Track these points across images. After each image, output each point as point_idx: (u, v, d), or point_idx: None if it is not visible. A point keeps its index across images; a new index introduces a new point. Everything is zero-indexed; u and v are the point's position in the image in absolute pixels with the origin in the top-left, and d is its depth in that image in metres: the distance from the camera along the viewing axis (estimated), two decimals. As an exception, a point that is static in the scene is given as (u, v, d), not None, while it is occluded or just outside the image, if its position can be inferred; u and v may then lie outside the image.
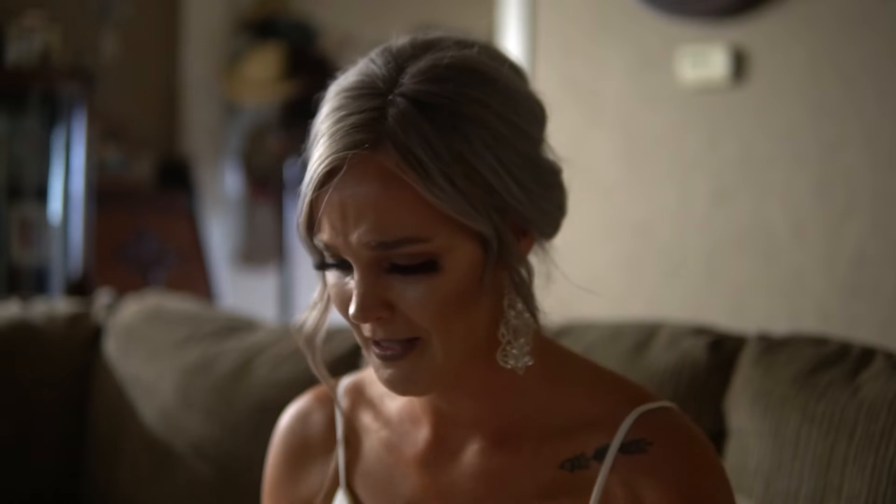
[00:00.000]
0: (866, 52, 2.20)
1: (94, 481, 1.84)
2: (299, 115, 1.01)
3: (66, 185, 3.87)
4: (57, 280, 3.87)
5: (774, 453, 1.30)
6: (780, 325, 1.96)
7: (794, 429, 1.29)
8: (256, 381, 1.70)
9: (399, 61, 0.93)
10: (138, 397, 1.81)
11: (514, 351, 0.94)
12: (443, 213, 0.89)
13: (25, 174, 3.86)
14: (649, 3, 2.47)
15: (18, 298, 2.20)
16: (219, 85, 4.85)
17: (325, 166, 0.89)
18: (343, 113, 0.91)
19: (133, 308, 1.95)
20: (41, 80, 3.83)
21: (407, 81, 0.91)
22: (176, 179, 4.65)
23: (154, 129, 4.75)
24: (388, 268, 0.91)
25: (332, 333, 1.04)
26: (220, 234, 4.85)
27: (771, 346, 1.42)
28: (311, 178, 0.91)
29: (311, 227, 0.93)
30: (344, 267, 0.93)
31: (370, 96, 0.91)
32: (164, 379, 1.78)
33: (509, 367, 0.94)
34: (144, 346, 1.85)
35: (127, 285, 3.37)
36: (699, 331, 1.51)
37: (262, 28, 4.92)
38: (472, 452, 1.01)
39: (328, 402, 1.11)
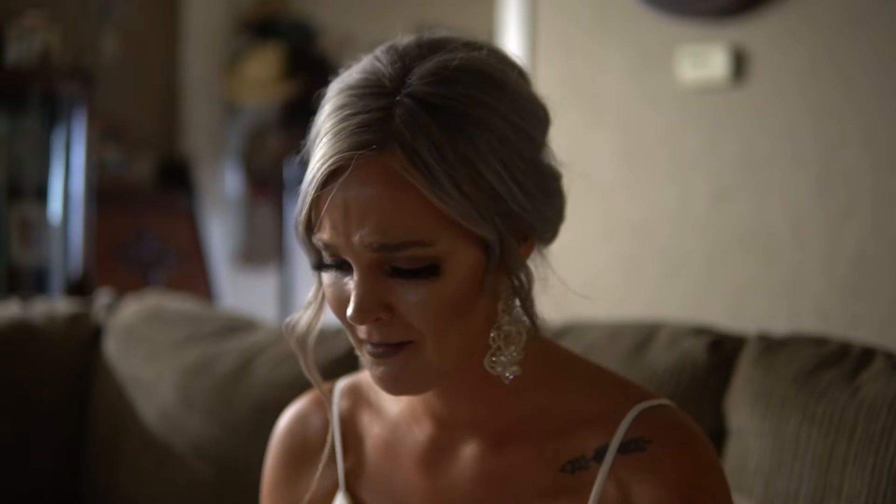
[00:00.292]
0: (866, 52, 2.20)
1: (94, 481, 1.84)
2: (299, 115, 0.99)
3: (66, 185, 3.87)
4: (57, 280, 3.87)
5: (774, 453, 1.30)
6: (780, 325, 1.96)
7: (794, 429, 1.29)
8: (256, 381, 1.70)
9: (406, 60, 0.92)
10: (138, 397, 1.81)
11: (503, 359, 0.94)
12: (447, 217, 0.88)
13: (25, 174, 3.86)
14: (649, 3, 2.47)
15: (18, 298, 2.20)
16: (219, 85, 4.85)
17: (330, 165, 0.88)
18: (348, 111, 0.89)
19: (133, 308, 1.95)
20: (41, 80, 3.83)
21: (415, 82, 0.90)
22: (176, 179, 4.66)
23: (154, 129, 4.75)
24: (388, 270, 0.90)
25: (333, 333, 1.04)
26: (220, 234, 4.85)
27: (771, 346, 1.42)
28: (314, 176, 0.89)
29: (311, 225, 0.92)
30: (342, 267, 0.92)
31: (377, 95, 0.89)
32: (164, 379, 1.78)
33: (496, 373, 0.94)
34: (144, 346, 1.85)
35: (127, 285, 3.37)
36: (699, 331, 1.51)
37: (262, 28, 4.92)
38: (471, 454, 1.01)
39: (327, 392, 1.11)
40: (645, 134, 2.53)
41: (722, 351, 1.45)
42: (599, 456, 0.96)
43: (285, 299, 4.78)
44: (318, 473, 1.07)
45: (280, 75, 4.78)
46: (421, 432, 1.04)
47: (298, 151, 0.96)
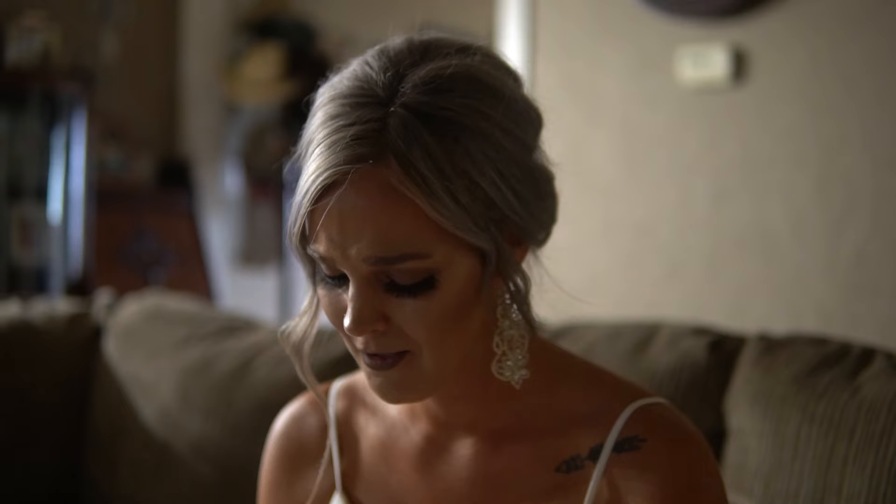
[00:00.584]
0: (866, 52, 2.20)
1: (94, 481, 1.84)
2: (299, 115, 0.97)
3: (66, 185, 3.87)
4: (57, 280, 3.87)
5: (774, 453, 1.30)
6: (780, 325, 1.96)
7: (794, 429, 1.29)
8: (256, 381, 1.70)
9: (399, 68, 0.90)
10: (138, 397, 1.81)
11: (510, 363, 0.94)
12: (443, 229, 0.88)
13: (25, 174, 3.86)
14: (649, 3, 2.47)
15: (18, 298, 2.20)
16: (219, 85, 4.85)
17: (325, 179, 0.87)
18: (341, 122, 0.88)
19: (133, 308, 1.95)
20: (41, 80, 3.83)
21: (409, 91, 0.88)
22: (176, 179, 4.66)
23: (154, 129, 4.75)
24: (385, 282, 0.89)
25: (330, 335, 1.04)
26: (220, 234, 4.85)
27: (771, 346, 1.42)
28: (309, 189, 0.88)
29: (305, 236, 0.91)
30: (337, 277, 0.92)
31: (370, 105, 0.88)
32: (164, 379, 1.78)
33: (505, 379, 0.94)
34: (144, 346, 1.85)
35: (127, 285, 3.38)
36: (699, 331, 1.51)
37: (262, 28, 4.92)
38: (467, 454, 1.01)
39: (322, 395, 1.11)
40: (645, 134, 2.53)
41: (722, 351, 1.45)
42: (595, 455, 0.96)
43: (285, 299, 4.78)
44: (317, 475, 1.07)
45: (280, 75, 4.78)
46: (417, 432, 1.04)
47: (291, 153, 0.95)
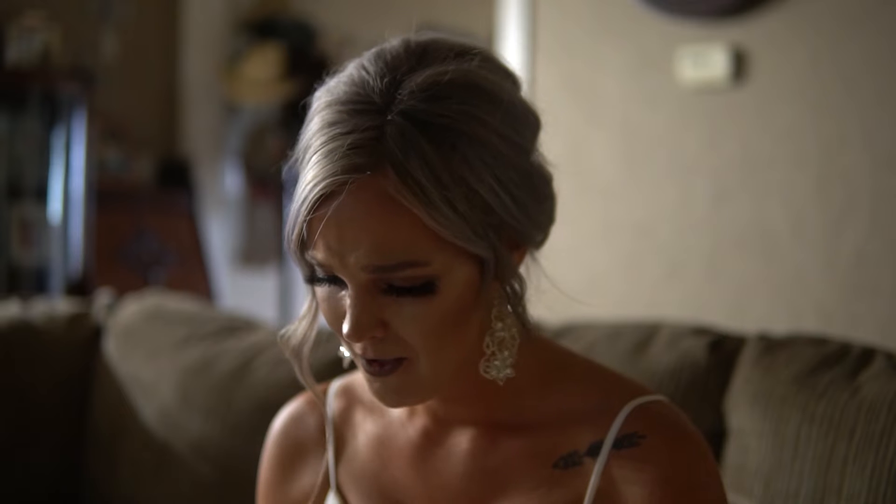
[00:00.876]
0: (866, 52, 2.20)
1: (94, 481, 1.84)
2: (299, 116, 0.97)
3: (66, 185, 3.87)
4: (57, 280, 3.87)
5: (774, 453, 1.30)
6: (780, 325, 1.96)
7: (794, 429, 1.29)
8: (256, 381, 1.70)
9: (396, 73, 0.90)
10: (138, 397, 1.81)
11: (497, 363, 0.94)
12: (442, 237, 0.87)
13: (25, 174, 3.86)
14: (649, 3, 2.47)
15: (18, 298, 2.20)
16: (219, 85, 4.85)
17: (322, 189, 0.87)
18: (338, 130, 0.88)
19: (133, 308, 1.95)
20: (41, 80, 3.83)
21: (406, 98, 0.87)
22: (176, 179, 4.66)
23: (154, 129, 4.75)
24: (384, 287, 0.89)
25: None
26: (220, 234, 4.85)
27: (771, 346, 1.42)
28: (307, 199, 0.88)
29: (303, 243, 0.91)
30: (336, 281, 0.91)
31: (367, 113, 0.88)
32: (164, 379, 1.78)
33: (490, 377, 0.94)
34: (144, 346, 1.85)
35: (127, 285, 3.38)
36: (699, 331, 1.51)
37: (262, 28, 4.92)
38: (464, 450, 1.01)
39: (320, 395, 1.11)
40: (645, 134, 2.53)
41: (722, 351, 1.45)
42: (594, 451, 0.96)
43: (285, 299, 4.78)
44: (314, 474, 1.08)
45: (280, 75, 4.78)
46: (414, 429, 1.04)
47: (289, 155, 0.95)
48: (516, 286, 0.94)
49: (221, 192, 4.92)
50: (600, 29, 2.60)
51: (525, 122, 0.95)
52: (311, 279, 0.94)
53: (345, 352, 1.00)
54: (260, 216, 5.06)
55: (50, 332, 1.91)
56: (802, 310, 2.27)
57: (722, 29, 2.38)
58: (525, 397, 0.99)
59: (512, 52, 2.75)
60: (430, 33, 0.96)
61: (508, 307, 0.95)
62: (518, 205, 0.91)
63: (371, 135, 0.86)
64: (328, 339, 1.17)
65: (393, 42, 0.95)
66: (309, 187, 0.88)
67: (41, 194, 3.87)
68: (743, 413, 1.37)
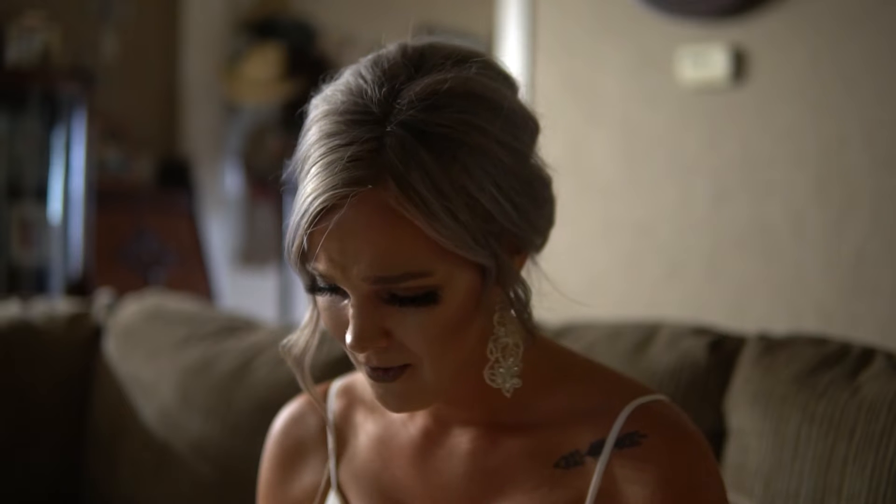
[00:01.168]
0: (866, 52, 2.20)
1: (94, 481, 1.84)
2: (299, 116, 0.97)
3: (66, 185, 3.87)
4: (57, 280, 3.87)
5: (774, 453, 1.30)
6: (780, 325, 1.96)
7: (794, 429, 1.29)
8: (256, 381, 1.70)
9: (394, 82, 0.89)
10: (138, 397, 1.81)
11: (502, 370, 0.94)
12: (443, 247, 0.87)
13: (25, 174, 3.86)
14: (649, 3, 2.47)
15: (18, 298, 2.20)
16: (219, 85, 4.85)
17: (323, 202, 0.86)
18: (337, 142, 0.87)
19: (133, 308, 1.95)
20: (41, 80, 3.83)
21: (405, 108, 0.87)
22: (176, 179, 4.66)
23: (154, 129, 4.75)
24: (386, 297, 0.89)
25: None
26: (220, 234, 4.85)
27: (771, 346, 1.42)
28: (307, 212, 0.87)
29: (304, 254, 0.90)
30: (337, 291, 0.91)
31: (366, 124, 0.87)
32: (164, 379, 1.78)
33: (496, 386, 0.94)
34: (144, 346, 1.85)
35: (127, 285, 3.38)
36: (699, 331, 1.51)
37: (262, 28, 4.92)
38: (465, 449, 1.01)
39: (321, 400, 1.11)
40: (645, 134, 2.53)
41: (722, 351, 1.45)
42: (596, 451, 0.96)
43: (285, 299, 4.78)
44: (315, 474, 1.08)
45: (280, 75, 4.78)
46: (415, 428, 1.04)
47: (289, 162, 0.94)
48: (520, 292, 0.94)
49: (221, 192, 4.92)
50: (600, 28, 2.60)
51: (524, 128, 0.94)
52: (313, 289, 0.93)
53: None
54: (260, 216, 5.06)
55: (50, 332, 1.91)
56: (802, 310, 2.27)
57: (722, 29, 2.38)
58: (526, 397, 0.99)
59: (512, 51, 2.75)
60: (427, 38, 0.96)
61: (511, 312, 0.95)
62: (519, 211, 0.91)
63: (371, 146, 0.86)
64: (329, 339, 1.17)
65: (390, 48, 0.94)
66: (309, 200, 0.87)
67: (41, 194, 3.87)
68: (743, 413, 1.37)
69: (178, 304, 1.99)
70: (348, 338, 0.90)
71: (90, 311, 1.98)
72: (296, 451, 1.12)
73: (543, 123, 0.98)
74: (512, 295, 0.94)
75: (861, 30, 2.21)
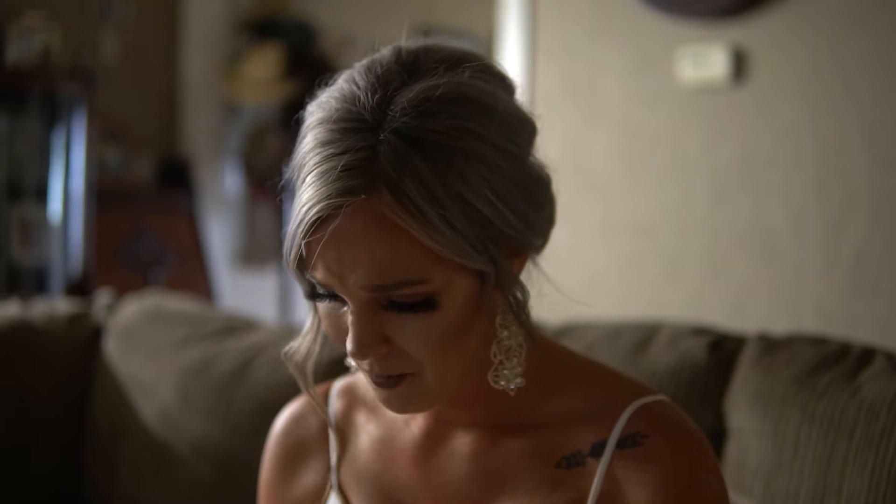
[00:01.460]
0: (866, 52, 2.20)
1: (94, 481, 1.84)
2: (296, 121, 0.96)
3: (66, 185, 3.87)
4: (57, 280, 3.87)
5: (774, 453, 1.30)
6: (780, 325, 1.96)
7: (794, 429, 1.29)
8: (256, 381, 1.70)
9: (387, 89, 0.88)
10: (138, 397, 1.81)
11: (506, 372, 0.94)
12: (441, 254, 0.87)
13: (25, 174, 3.86)
14: (649, 3, 2.47)
15: (18, 298, 2.20)
16: (219, 85, 4.85)
17: (318, 212, 0.86)
18: (331, 150, 0.87)
19: (133, 308, 1.95)
20: (41, 80, 3.83)
21: (398, 115, 0.86)
22: (176, 179, 4.66)
23: (154, 129, 4.75)
24: (385, 304, 0.89)
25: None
26: (220, 234, 4.85)
27: (771, 346, 1.42)
28: (303, 222, 0.87)
29: (302, 262, 0.90)
30: (337, 298, 0.91)
31: (359, 131, 0.86)
32: (164, 379, 1.78)
33: (500, 387, 0.94)
34: (144, 346, 1.85)
35: (127, 285, 3.38)
36: (699, 331, 1.51)
37: (262, 28, 4.92)
38: (466, 450, 1.01)
39: (322, 404, 1.11)
40: (645, 134, 2.53)
41: (722, 351, 1.45)
42: (597, 451, 0.96)
43: (285, 299, 4.78)
44: (316, 474, 1.08)
45: (280, 75, 4.78)
46: (416, 428, 1.04)
47: (288, 166, 0.94)
48: (518, 296, 0.94)
49: (221, 192, 4.92)
50: (600, 29, 2.60)
51: (521, 130, 0.93)
52: (312, 296, 0.93)
53: (351, 361, 1.00)
54: (260, 216, 5.06)
55: (50, 332, 1.91)
56: (802, 310, 2.27)
57: (722, 29, 2.38)
58: (528, 398, 0.99)
59: (512, 52, 2.75)
60: (423, 40, 0.95)
61: (512, 315, 0.95)
62: (517, 215, 0.90)
63: (364, 155, 0.85)
64: (329, 340, 1.17)
65: (384, 52, 0.94)
66: (304, 210, 0.87)
67: (41, 194, 3.87)
68: (743, 413, 1.37)
69: (178, 304, 1.99)
70: (349, 345, 0.90)
71: (90, 311, 1.98)
72: (297, 452, 1.12)
73: (543, 124, 0.98)
74: (511, 298, 0.93)
75: (861, 30, 2.21)
